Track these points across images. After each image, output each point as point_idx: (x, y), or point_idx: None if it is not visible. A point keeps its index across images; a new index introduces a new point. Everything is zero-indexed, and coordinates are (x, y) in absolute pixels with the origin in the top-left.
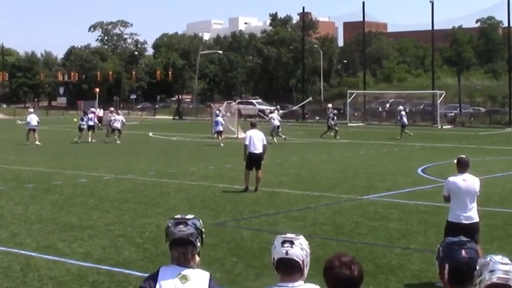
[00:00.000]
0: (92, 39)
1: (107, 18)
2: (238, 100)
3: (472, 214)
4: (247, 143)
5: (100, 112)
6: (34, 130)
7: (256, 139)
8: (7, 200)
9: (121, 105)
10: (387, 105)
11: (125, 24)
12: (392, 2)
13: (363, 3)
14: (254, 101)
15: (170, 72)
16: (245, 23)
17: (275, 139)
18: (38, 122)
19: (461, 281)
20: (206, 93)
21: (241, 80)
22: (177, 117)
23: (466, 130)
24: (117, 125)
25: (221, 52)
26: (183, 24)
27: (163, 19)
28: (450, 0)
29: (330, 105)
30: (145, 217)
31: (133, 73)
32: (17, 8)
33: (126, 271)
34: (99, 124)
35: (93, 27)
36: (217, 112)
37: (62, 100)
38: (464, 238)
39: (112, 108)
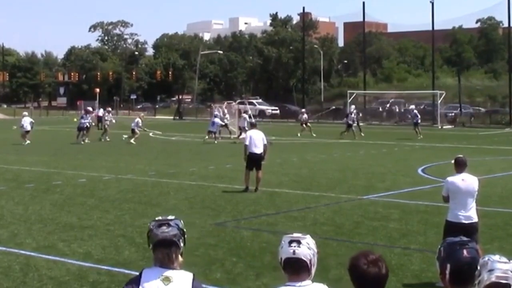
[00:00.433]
0: (92, 39)
1: (108, 18)
2: (239, 100)
3: (471, 213)
4: (247, 143)
5: (100, 112)
6: (27, 132)
7: (257, 139)
8: (7, 200)
9: (121, 105)
10: (387, 105)
11: (125, 24)
12: (392, 2)
13: (363, 3)
14: (254, 101)
15: (170, 72)
16: (245, 23)
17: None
18: (32, 123)
19: (463, 281)
20: (206, 93)
21: (241, 80)
22: (178, 117)
23: (466, 130)
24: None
25: (221, 52)
26: (183, 24)
27: (163, 19)
28: (450, 0)
29: (353, 106)
30: (145, 217)
31: (133, 73)
32: (17, 8)
33: (126, 271)
34: (100, 124)
35: (94, 27)
36: (216, 113)
37: (62, 100)
38: (465, 238)
39: (109, 108)
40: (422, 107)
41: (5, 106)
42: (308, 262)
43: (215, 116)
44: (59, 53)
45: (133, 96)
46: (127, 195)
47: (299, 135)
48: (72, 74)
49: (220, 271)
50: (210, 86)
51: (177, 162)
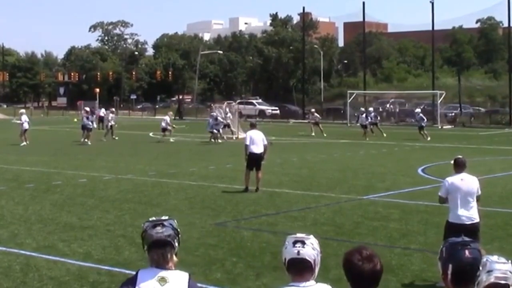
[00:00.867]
0: (92, 39)
1: (108, 18)
2: (239, 100)
3: (473, 214)
4: (247, 143)
5: (101, 112)
6: (25, 130)
7: (257, 139)
8: (7, 200)
9: (121, 105)
10: (387, 105)
11: (125, 24)
12: (392, 2)
13: (363, 3)
14: (254, 101)
15: (170, 72)
16: (246, 23)
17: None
18: (28, 123)
19: (465, 282)
20: (206, 93)
21: (241, 80)
22: (178, 117)
23: (466, 130)
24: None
25: (221, 52)
26: (183, 24)
27: (163, 19)
28: (450, 0)
29: (371, 108)
30: (145, 217)
31: (133, 73)
32: (18, 8)
33: (127, 271)
34: (101, 124)
35: (94, 27)
36: (213, 113)
37: (62, 100)
38: (467, 238)
39: (112, 109)
40: (422, 107)
41: (5, 106)
42: (313, 262)
43: (211, 116)
44: (59, 53)
45: (133, 96)
46: (127, 195)
47: (313, 134)
48: (72, 74)
49: (220, 271)
50: (210, 86)
51: (177, 162)
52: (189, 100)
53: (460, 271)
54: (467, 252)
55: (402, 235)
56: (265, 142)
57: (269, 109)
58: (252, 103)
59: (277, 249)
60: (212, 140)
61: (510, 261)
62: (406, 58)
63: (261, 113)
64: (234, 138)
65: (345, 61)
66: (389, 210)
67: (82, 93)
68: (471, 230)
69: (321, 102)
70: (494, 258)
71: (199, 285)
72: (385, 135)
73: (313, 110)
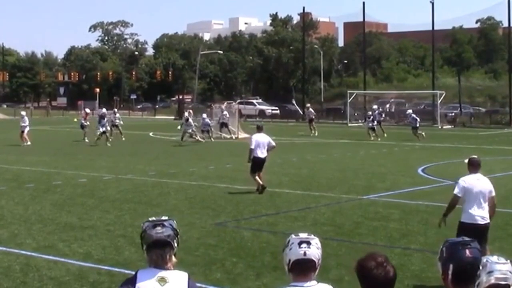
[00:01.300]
0: (92, 39)
1: (108, 18)
2: (239, 100)
3: (486, 214)
4: (252, 147)
5: (101, 112)
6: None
7: (262, 144)
8: (7, 200)
9: (122, 105)
10: (388, 105)
11: (125, 24)
12: (392, 2)
13: (363, 3)
14: (254, 101)
15: (170, 72)
16: (246, 23)
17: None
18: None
19: (465, 281)
20: (206, 93)
21: (241, 80)
22: (178, 117)
23: (466, 130)
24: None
25: (221, 52)
26: (183, 24)
27: (163, 19)
28: (450, 0)
29: (375, 107)
30: (145, 217)
31: (133, 73)
32: (18, 8)
33: (127, 271)
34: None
35: (94, 27)
36: (185, 115)
37: (62, 100)
38: (467, 238)
39: (115, 109)
40: (422, 107)
41: (5, 106)
42: (317, 262)
43: (204, 118)
44: (59, 53)
45: (133, 96)
46: (127, 195)
47: (316, 134)
48: (72, 74)
49: (220, 271)
50: (210, 86)
51: (177, 162)
52: (189, 100)
53: (461, 270)
54: (467, 251)
55: (402, 235)
56: (273, 144)
57: (269, 109)
58: (252, 103)
59: (277, 249)
60: (183, 139)
61: (509, 261)
62: (406, 58)
63: (261, 113)
64: (233, 137)
65: (345, 61)
66: (389, 210)
67: (82, 93)
68: (484, 230)
69: (321, 102)
70: (494, 258)
71: (199, 285)
72: (385, 135)
73: (308, 105)
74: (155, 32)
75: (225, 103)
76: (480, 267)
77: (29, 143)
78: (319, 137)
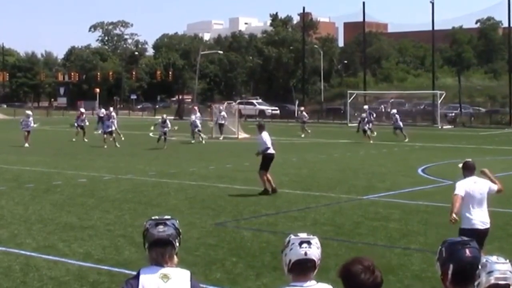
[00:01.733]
0: (92, 39)
1: (108, 18)
2: (239, 101)
3: (486, 218)
4: (269, 145)
5: (100, 113)
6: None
7: (271, 141)
8: (7, 200)
9: (122, 105)
10: (387, 105)
11: (125, 24)
12: (393, 2)
13: (364, 3)
14: (254, 101)
15: (170, 72)
16: (246, 23)
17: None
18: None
19: (465, 281)
20: (207, 93)
21: (241, 80)
22: (178, 117)
23: (466, 130)
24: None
25: (221, 52)
26: (183, 24)
27: (163, 19)
28: (450, 0)
29: (366, 107)
30: (145, 217)
31: (134, 73)
32: (18, 8)
33: (127, 271)
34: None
35: (94, 27)
36: (163, 115)
37: (62, 100)
38: (466, 238)
39: (110, 108)
40: (422, 107)
41: (5, 106)
42: (317, 261)
43: (195, 117)
44: (59, 53)
45: (133, 96)
46: (127, 195)
47: (303, 135)
48: (72, 74)
49: (220, 271)
50: (210, 86)
51: (177, 162)
52: (189, 100)
53: (461, 270)
54: (467, 251)
55: (402, 235)
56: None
57: (269, 109)
58: (252, 103)
59: (277, 249)
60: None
61: (509, 261)
62: (406, 58)
63: (261, 113)
64: (221, 138)
65: (345, 61)
66: (389, 210)
67: (82, 93)
68: (484, 236)
69: (321, 102)
70: (494, 258)
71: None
72: (375, 133)
73: (302, 108)
74: (155, 32)
75: (225, 103)
76: (480, 267)
77: (26, 144)
78: (319, 137)
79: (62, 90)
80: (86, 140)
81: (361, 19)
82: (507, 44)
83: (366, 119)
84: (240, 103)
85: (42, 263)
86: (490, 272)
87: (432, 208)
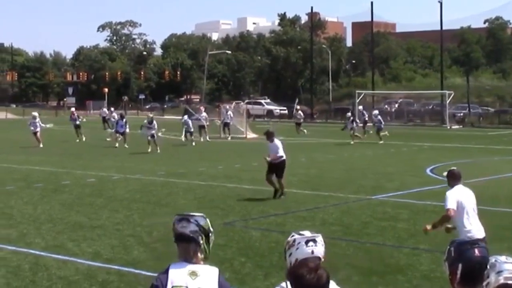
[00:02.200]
0: (101, 39)
1: (116, 18)
2: (247, 100)
3: (480, 226)
4: (283, 154)
5: (103, 113)
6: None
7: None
8: (16, 200)
9: (130, 105)
10: (396, 105)
11: (133, 24)
12: (401, 2)
13: (372, 3)
14: (262, 101)
15: (178, 72)
16: (254, 23)
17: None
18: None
19: (474, 281)
20: (215, 93)
21: (249, 80)
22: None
23: (475, 130)
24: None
25: (229, 52)
26: (191, 24)
27: (171, 19)
28: (458, 0)
29: (361, 107)
30: (154, 217)
31: (142, 73)
32: (26, 8)
33: (136, 271)
34: (105, 124)
35: (102, 27)
36: (185, 116)
37: (71, 100)
38: (474, 238)
39: (112, 108)
40: (430, 107)
41: (14, 106)
42: (322, 259)
43: (186, 119)
44: (68, 53)
45: (142, 96)
46: (136, 195)
47: (301, 132)
48: (81, 74)
49: (228, 271)
50: (219, 86)
51: (186, 162)
52: (197, 100)
53: (470, 270)
54: (476, 250)
55: (411, 235)
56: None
57: (277, 109)
58: (260, 103)
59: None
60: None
61: None
62: (414, 58)
63: (269, 113)
64: (229, 138)
65: (353, 61)
66: (397, 210)
67: (90, 93)
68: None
69: (329, 102)
70: (503, 258)
71: None
72: (366, 135)
73: (298, 107)
74: (163, 32)
75: (234, 103)
76: (488, 267)
77: (41, 145)
78: (328, 137)
79: (70, 90)
80: (81, 139)
81: (369, 19)
82: None
83: (351, 119)
84: (248, 103)
85: (51, 262)
86: (499, 272)
87: (440, 208)
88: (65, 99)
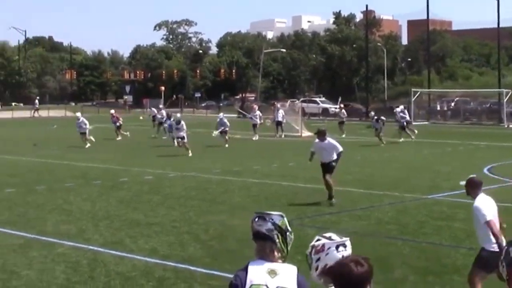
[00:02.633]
0: (157, 38)
1: (172, 17)
2: (302, 99)
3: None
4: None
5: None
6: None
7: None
8: (75, 197)
9: (186, 103)
10: (452, 104)
11: (189, 23)
12: (457, 0)
13: (427, 0)
14: (317, 99)
15: (233, 71)
16: (308, 22)
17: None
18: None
19: None
20: (270, 92)
21: (304, 79)
22: (242, 116)
23: None
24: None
25: (284, 50)
26: (246, 22)
27: (227, 18)
28: None
29: (400, 107)
30: (209, 215)
31: (198, 71)
32: (85, 8)
33: (192, 268)
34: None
35: (158, 26)
36: (220, 114)
37: (128, 98)
38: None
39: (161, 106)
40: (488, 105)
41: (73, 104)
42: None
43: (221, 118)
44: (125, 52)
45: (197, 94)
46: (191, 193)
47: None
48: (138, 72)
49: None
50: (274, 85)
51: (241, 160)
52: (253, 98)
53: None
54: None
55: (467, 235)
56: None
57: (332, 107)
58: (315, 102)
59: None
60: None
61: None
62: (471, 56)
63: (324, 112)
64: (277, 136)
65: (409, 59)
66: (454, 210)
67: (147, 91)
68: None
69: (384, 100)
70: None
71: None
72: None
73: (341, 106)
74: (219, 31)
75: (289, 102)
76: None
77: (88, 144)
78: (385, 136)
79: (128, 88)
80: (125, 137)
81: (424, 17)
82: None
83: (375, 118)
84: (303, 101)
85: (109, 258)
86: None
87: (498, 208)
88: (125, 97)
